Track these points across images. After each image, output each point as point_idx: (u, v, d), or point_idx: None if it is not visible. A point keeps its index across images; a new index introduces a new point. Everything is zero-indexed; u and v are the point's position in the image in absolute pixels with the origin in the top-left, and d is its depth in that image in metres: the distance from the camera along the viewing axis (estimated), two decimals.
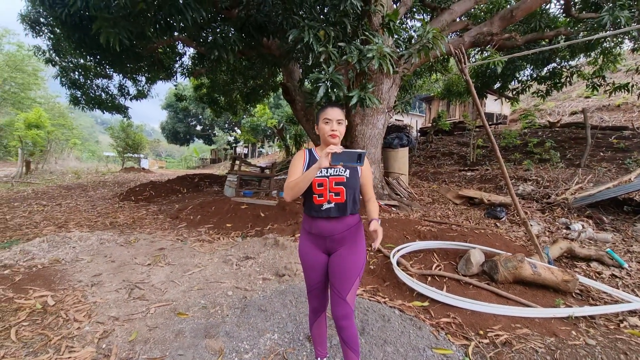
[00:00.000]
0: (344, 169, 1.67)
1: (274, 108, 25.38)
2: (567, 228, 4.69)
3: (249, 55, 8.21)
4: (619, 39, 8.81)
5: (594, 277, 3.41)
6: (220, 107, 14.11)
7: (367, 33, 4.56)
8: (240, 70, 11.43)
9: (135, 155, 23.27)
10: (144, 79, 11.12)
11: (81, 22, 6.07)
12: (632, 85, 8.64)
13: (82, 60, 8.93)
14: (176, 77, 11.11)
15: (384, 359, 2.04)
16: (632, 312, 2.68)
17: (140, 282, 3.21)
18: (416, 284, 2.88)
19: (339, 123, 1.65)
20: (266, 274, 3.39)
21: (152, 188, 9.52)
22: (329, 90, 4.33)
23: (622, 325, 2.54)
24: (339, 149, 1.47)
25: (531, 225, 4.97)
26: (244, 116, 21.59)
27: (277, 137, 24.80)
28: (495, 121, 17.87)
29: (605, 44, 9.27)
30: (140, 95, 11.40)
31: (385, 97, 6.34)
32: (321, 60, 4.46)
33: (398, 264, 3.30)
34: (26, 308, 2.53)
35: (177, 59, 10.86)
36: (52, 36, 7.98)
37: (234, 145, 33.44)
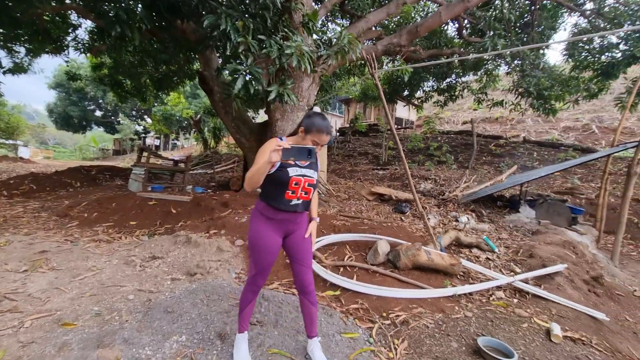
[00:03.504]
0: (313, 171, 1.87)
1: (190, 98, 23.63)
2: (456, 220, 5.47)
3: (160, 37, 7.48)
4: (497, 63, 10.54)
5: (474, 260, 4.05)
6: (126, 92, 12.55)
7: (287, 30, 4.58)
8: (150, 53, 10.32)
9: (10, 141, 19.21)
10: (23, 49, 9.24)
11: None
12: (506, 102, 10.52)
13: None
14: (67, 52, 9.49)
15: (296, 347, 2.10)
16: (499, 287, 3.27)
17: (11, 292, 2.67)
18: (329, 274, 3.02)
19: (322, 147, 1.84)
20: (176, 273, 3.17)
21: (34, 181, 8.00)
22: (248, 82, 4.23)
23: (491, 298, 3.08)
24: (287, 144, 1.58)
25: (428, 218, 5.65)
26: (155, 104, 19.61)
27: (193, 130, 23.21)
28: (404, 125, 19.76)
29: (487, 66, 11.03)
30: (18, 69, 9.47)
31: (305, 95, 6.46)
32: (240, 51, 4.32)
33: (313, 256, 3.42)
34: None
35: (70, 31, 9.27)
36: None
37: (143, 135, 30.14)
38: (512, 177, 6.26)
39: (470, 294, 3.09)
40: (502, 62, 10.79)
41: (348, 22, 9.41)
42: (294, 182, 1.79)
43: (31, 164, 16.48)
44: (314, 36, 5.28)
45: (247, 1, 4.70)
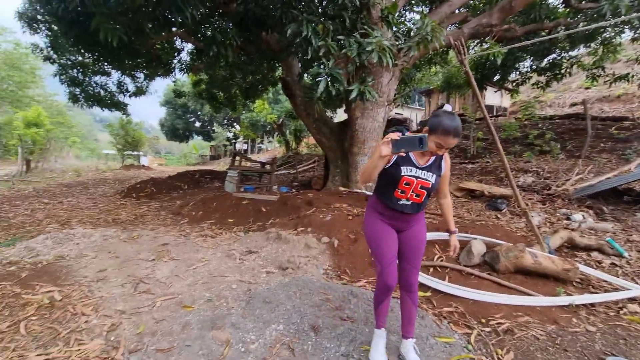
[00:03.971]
0: (431, 174, 1.76)
1: (272, 103, 25.33)
2: (568, 219, 4.72)
3: (247, 51, 8.17)
4: (619, 29, 8.76)
5: (594, 266, 3.44)
6: (219, 103, 14.08)
7: (366, 26, 4.55)
8: (239, 66, 11.38)
9: (135, 152, 23.27)
10: (142, 75, 11.09)
11: (78, 18, 6.04)
12: (632, 76, 8.64)
13: (80, 58, 8.90)
14: (174, 73, 11.06)
15: (388, 346, 2.08)
16: (632, 300, 2.72)
17: (145, 277, 3.24)
18: (419, 275, 2.91)
19: (448, 148, 1.70)
20: (269, 267, 3.43)
21: (153, 185, 9.55)
22: (329, 85, 4.33)
23: (621, 312, 2.58)
24: (397, 135, 1.54)
25: (532, 216, 4.99)
26: (243, 112, 21.56)
27: (276, 133, 24.78)
28: (495, 113, 17.85)
29: (605, 34, 9.22)
30: (139, 92, 11.37)
31: (385, 90, 6.33)
32: (320, 54, 4.45)
33: None
34: (34, 303, 2.56)
35: (175, 54, 10.80)
36: (49, 33, 7.93)
37: (233, 141, 33.41)
38: None
39: (592, 305, 2.64)
40: (626, 26, 8.92)
41: (427, 9, 8.89)
42: (404, 182, 1.75)
43: (150, 170, 19.71)
44: (393, 28, 5.13)
45: (325, 3, 4.82)
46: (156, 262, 3.65)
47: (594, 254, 3.64)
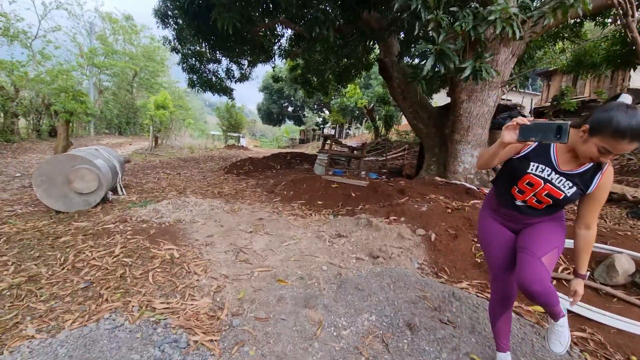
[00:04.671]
0: (570, 184, 1.36)
1: (363, 88, 24.96)
2: None
3: (346, 32, 8.04)
4: None
5: None
6: (313, 88, 14.40)
7: None
8: (334, 49, 11.38)
9: (236, 134, 25.74)
10: (246, 62, 11.99)
11: (200, 10, 6.73)
12: None
13: (198, 47, 10.04)
14: (274, 59, 11.65)
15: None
16: None
17: (244, 247, 3.47)
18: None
19: (616, 156, 1.30)
20: (359, 253, 3.33)
21: (251, 163, 10.36)
22: (438, 62, 3.91)
23: None
24: (528, 120, 1.22)
25: None
26: (334, 97, 21.75)
27: (365, 118, 24.40)
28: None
29: None
30: (243, 77, 12.34)
31: (500, 70, 5.50)
32: (429, 29, 4.03)
33: None
34: (159, 257, 2.96)
35: (276, 41, 11.35)
36: (176, 27, 9.10)
37: (322, 126, 34.21)
38: None
39: None
40: None
41: None
42: (526, 181, 1.42)
43: (247, 150, 21.58)
44: None
45: None
46: (253, 234, 3.90)
47: None
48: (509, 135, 1.26)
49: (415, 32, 4.17)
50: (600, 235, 3.30)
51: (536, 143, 1.39)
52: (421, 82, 4.61)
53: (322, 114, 34.21)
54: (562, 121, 1.17)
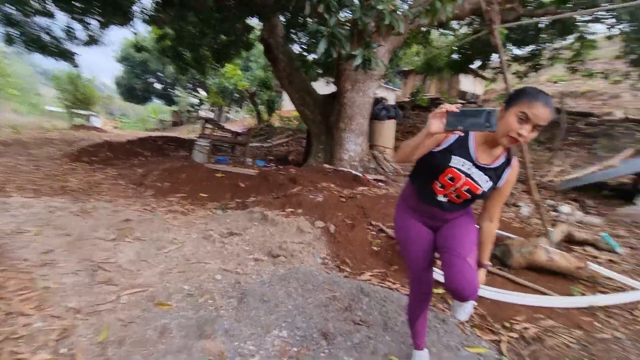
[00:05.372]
0: (488, 179, 1.34)
1: (242, 70, 23.78)
2: (555, 210, 4.71)
3: (225, 4, 7.21)
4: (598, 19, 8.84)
5: (592, 261, 3.39)
6: (186, 64, 12.75)
7: None
8: (210, 23, 10.22)
9: (86, 112, 20.91)
10: (95, 22, 9.57)
11: None
12: (609, 72, 8.92)
13: None
14: (134, 23, 9.67)
15: None
16: None
17: (104, 261, 2.64)
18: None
19: (535, 128, 1.20)
20: (257, 253, 2.97)
21: (110, 149, 8.46)
22: (331, 46, 3.78)
23: (635, 313, 2.48)
24: (456, 107, 1.10)
25: (520, 205, 4.95)
26: (211, 76, 19.95)
27: (246, 102, 23.45)
28: (467, 100, 18.10)
29: (582, 28, 9.35)
30: (91, 41, 9.86)
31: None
32: (320, 10, 3.85)
33: None
34: None
35: (137, 0, 9.40)
36: None
37: (198, 108, 31.27)
38: (630, 162, 5.23)
39: (608, 307, 2.51)
40: (604, 23, 9.10)
41: None
42: (448, 176, 1.34)
43: (103, 132, 17.82)
44: None
45: None
46: (118, 242, 3.04)
47: (589, 249, 3.60)
48: (435, 124, 1.13)
49: (306, 12, 3.91)
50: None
51: (456, 136, 1.33)
52: (312, 67, 4.46)
53: (198, 95, 31.24)
54: (490, 108, 1.12)
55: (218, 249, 3.06)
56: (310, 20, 4.70)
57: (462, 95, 18.74)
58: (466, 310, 1.59)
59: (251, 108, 17.50)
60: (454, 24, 11.31)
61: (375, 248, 3.12)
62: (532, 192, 3.17)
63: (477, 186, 1.34)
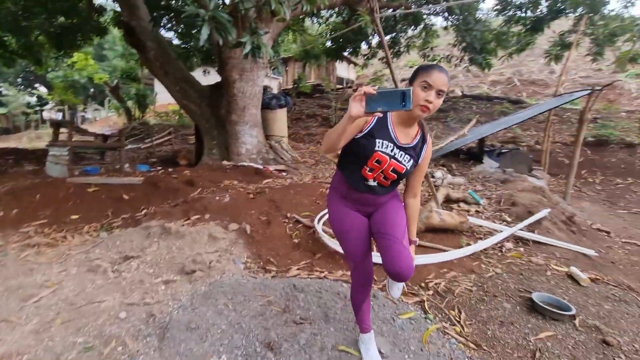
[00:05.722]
0: (409, 158, 1.42)
1: (96, 60, 19.91)
2: (432, 176, 5.54)
3: None
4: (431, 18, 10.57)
5: (465, 214, 4.13)
6: (12, 53, 9.93)
7: None
8: (39, 1, 8.10)
9: None
10: None
11: None
12: (450, 57, 10.87)
13: None
14: None
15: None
16: (506, 239, 3.34)
17: None
18: None
19: (439, 95, 1.30)
20: (166, 274, 2.57)
21: None
22: (215, 32, 3.43)
23: (504, 250, 3.14)
24: (372, 89, 1.11)
25: None
26: (53, 68, 16.04)
27: (107, 99, 19.93)
28: (345, 85, 19.52)
29: (426, 21, 11.09)
30: None
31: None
32: None
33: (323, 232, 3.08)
34: None
35: None
36: None
37: (39, 109, 24.99)
38: (474, 130, 6.52)
39: (485, 249, 3.11)
40: (441, 16, 11.00)
41: None
42: (375, 159, 1.39)
43: None
44: None
45: None
46: None
47: (462, 205, 4.38)
48: (356, 107, 1.13)
49: None
50: None
51: (376, 119, 1.41)
52: (192, 56, 4.00)
53: (36, 91, 24.90)
54: (405, 88, 1.17)
55: (113, 280, 2.53)
56: (188, 2, 4.16)
57: (340, 81, 20.10)
58: (400, 287, 1.70)
59: (116, 105, 14.92)
60: (324, 12, 11.94)
61: (295, 240, 3.09)
62: None
63: (402, 166, 1.41)
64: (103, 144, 6.77)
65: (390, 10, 8.82)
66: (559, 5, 9.20)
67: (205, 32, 3.35)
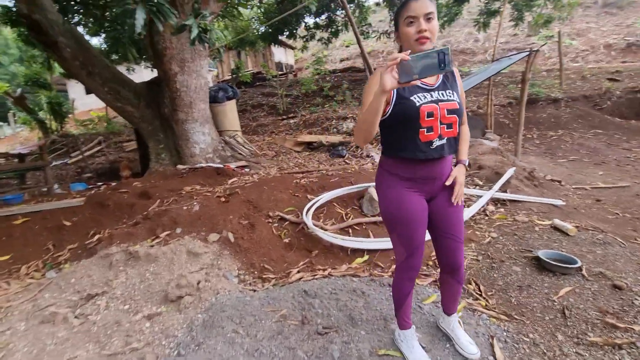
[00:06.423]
0: (450, 90, 1.28)
1: None
2: None
3: None
4: None
5: None
6: None
7: None
8: None
9: None
10: None
11: None
12: (389, 33, 11.04)
13: None
14: None
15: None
16: (487, 203, 3.42)
17: None
18: (354, 241, 2.58)
19: (429, 19, 1.19)
20: (147, 307, 2.18)
21: None
22: (152, 15, 2.91)
23: (489, 214, 3.21)
24: (406, 55, 0.99)
25: (372, 155, 5.60)
26: None
27: (10, 111, 17.08)
28: (284, 70, 18.98)
29: None
30: None
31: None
32: None
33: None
34: None
35: None
36: None
37: None
38: None
39: (473, 216, 3.15)
40: None
41: None
42: (426, 114, 1.22)
43: None
44: None
45: None
46: None
47: None
48: (389, 79, 1.02)
49: None
50: (344, 178, 4.00)
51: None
52: (126, 48, 3.42)
53: None
54: (442, 47, 1.03)
55: (79, 328, 2.07)
56: None
57: (279, 66, 19.50)
58: (472, 341, 1.60)
59: (26, 118, 12.79)
60: None
61: (286, 240, 2.83)
62: None
63: (452, 101, 1.27)
64: (21, 165, 5.68)
65: None
66: None
67: (140, 16, 2.82)
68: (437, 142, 1.27)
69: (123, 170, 6.20)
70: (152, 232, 2.94)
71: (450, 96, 1.27)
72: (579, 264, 2.09)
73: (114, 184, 4.96)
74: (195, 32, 3.09)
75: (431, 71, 1.03)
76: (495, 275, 2.19)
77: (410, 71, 1.02)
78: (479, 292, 2.03)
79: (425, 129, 1.24)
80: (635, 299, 1.78)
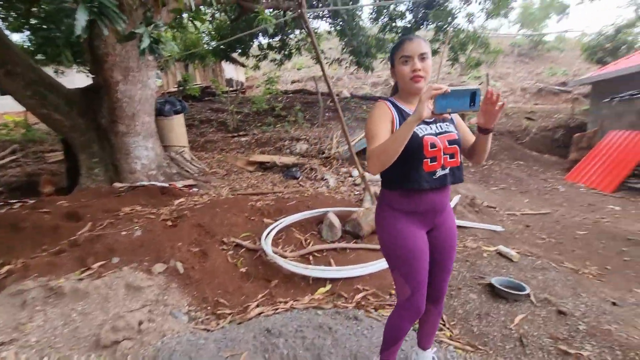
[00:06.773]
0: (447, 122, 1.31)
1: None
2: (351, 175, 5.67)
3: None
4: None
5: None
6: None
7: None
8: None
9: None
10: None
11: None
12: (340, 60, 11.50)
13: None
14: None
15: None
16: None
17: None
18: (316, 270, 2.48)
19: (423, 58, 1.24)
20: (75, 354, 1.81)
21: None
22: (96, 18, 2.61)
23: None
24: (447, 87, 1.03)
25: (327, 179, 5.62)
26: None
27: None
28: (234, 87, 18.63)
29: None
30: None
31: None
32: None
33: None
34: None
35: None
36: None
37: None
38: None
39: None
40: (325, 21, 11.57)
41: None
42: (429, 145, 1.23)
43: None
44: None
45: None
46: None
47: None
48: (425, 109, 1.05)
49: None
50: (301, 201, 3.91)
51: (395, 112, 1.30)
52: (59, 47, 3.02)
53: None
54: (474, 87, 1.07)
55: None
56: None
57: (229, 82, 19.11)
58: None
59: None
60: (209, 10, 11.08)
61: (242, 270, 2.62)
62: (357, 166, 3.59)
63: (451, 132, 1.30)
64: None
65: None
66: (421, 16, 10.74)
67: (82, 17, 2.48)
68: (440, 172, 1.27)
69: (44, 186, 5.36)
70: (82, 262, 2.51)
71: (447, 128, 1.31)
72: (528, 290, 2.24)
73: (31, 201, 4.24)
74: (146, 42, 2.83)
75: (461, 108, 1.06)
76: (455, 303, 2.25)
77: (446, 105, 1.05)
78: (442, 322, 2.05)
79: (429, 159, 1.24)
80: (579, 325, 1.93)
